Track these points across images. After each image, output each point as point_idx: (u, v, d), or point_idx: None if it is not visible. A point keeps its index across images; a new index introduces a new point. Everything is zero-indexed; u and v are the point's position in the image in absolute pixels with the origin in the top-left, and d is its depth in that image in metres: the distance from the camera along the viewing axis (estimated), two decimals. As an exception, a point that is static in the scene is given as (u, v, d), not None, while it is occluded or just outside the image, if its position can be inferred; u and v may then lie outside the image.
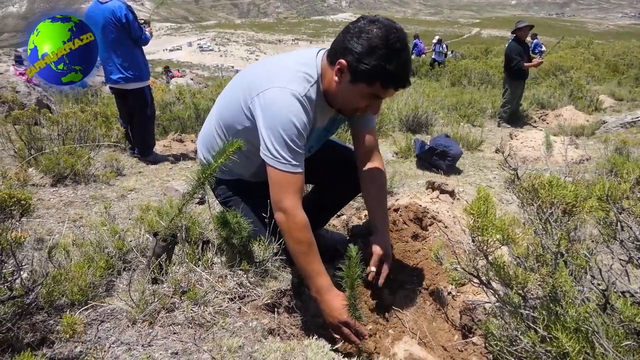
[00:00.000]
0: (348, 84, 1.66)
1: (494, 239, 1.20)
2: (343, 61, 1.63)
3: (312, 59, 1.76)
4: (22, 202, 1.43)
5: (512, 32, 8.01)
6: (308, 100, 1.68)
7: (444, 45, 17.67)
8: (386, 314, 2.11)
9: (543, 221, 1.22)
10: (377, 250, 1.91)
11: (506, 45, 8.35)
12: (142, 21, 4.77)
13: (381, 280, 1.91)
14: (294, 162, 1.65)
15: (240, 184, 2.07)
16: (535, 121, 8.48)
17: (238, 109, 1.81)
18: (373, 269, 1.89)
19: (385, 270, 1.91)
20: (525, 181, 1.27)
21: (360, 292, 2.17)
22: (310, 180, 2.31)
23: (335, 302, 1.63)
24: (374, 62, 1.57)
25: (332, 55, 1.69)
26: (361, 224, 2.52)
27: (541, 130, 6.53)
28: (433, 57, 17.10)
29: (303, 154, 1.70)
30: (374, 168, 2.05)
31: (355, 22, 1.66)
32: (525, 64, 7.75)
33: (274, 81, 1.68)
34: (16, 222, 1.44)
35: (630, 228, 1.25)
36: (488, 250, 1.22)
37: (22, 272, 1.48)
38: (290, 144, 1.63)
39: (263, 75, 1.76)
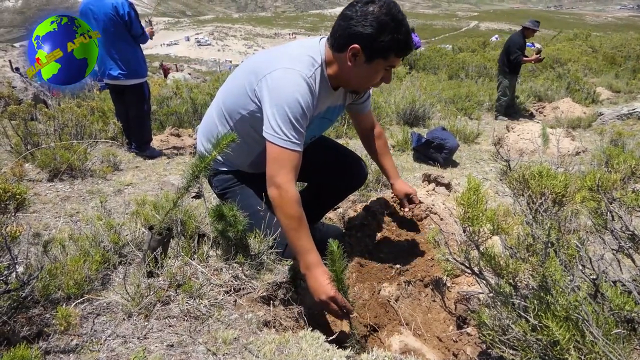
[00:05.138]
0: (364, 65, 1.75)
1: (485, 229, 1.21)
2: (356, 46, 1.70)
3: (315, 45, 1.83)
4: (17, 196, 1.43)
5: (523, 27, 7.93)
6: (313, 82, 1.74)
7: None
8: (382, 305, 2.12)
9: (533, 211, 1.23)
10: (400, 192, 2.26)
11: (509, 37, 8.32)
12: (147, 21, 4.75)
13: (417, 210, 2.36)
14: (295, 140, 1.69)
15: (239, 175, 2.09)
16: (532, 114, 8.48)
17: (243, 93, 1.85)
18: (407, 209, 2.28)
19: (415, 202, 2.28)
20: (516, 172, 1.28)
21: (360, 287, 2.19)
22: (307, 177, 2.35)
23: (324, 278, 1.66)
24: (388, 37, 1.67)
25: (338, 43, 1.74)
26: (357, 215, 2.52)
27: (538, 122, 6.55)
28: None
29: (304, 135, 1.73)
30: (376, 132, 2.33)
31: (352, 7, 1.71)
32: (524, 59, 7.75)
33: (281, 63, 1.74)
34: (12, 216, 1.44)
35: (621, 218, 1.26)
36: (479, 240, 1.23)
37: (17, 266, 1.49)
38: (294, 122, 1.67)
39: (268, 60, 1.81)
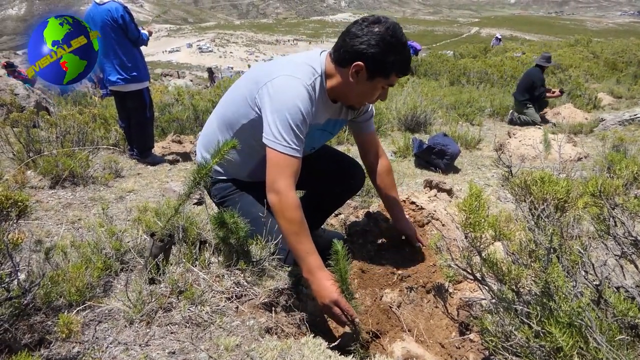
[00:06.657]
0: (365, 82, 1.80)
1: (487, 235, 1.21)
2: (360, 63, 1.74)
3: (316, 57, 1.87)
4: (19, 203, 1.44)
5: (537, 64, 8.01)
6: (312, 90, 1.78)
7: None
8: (384, 311, 2.11)
9: (535, 217, 1.23)
10: (408, 231, 2.25)
11: (528, 71, 8.28)
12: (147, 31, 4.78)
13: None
14: (295, 147, 1.70)
15: (237, 183, 2.09)
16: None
17: (243, 102, 1.87)
18: (419, 244, 2.26)
19: (421, 239, 2.28)
20: (518, 178, 1.28)
21: (362, 294, 2.18)
22: (306, 186, 2.35)
23: (327, 281, 1.66)
24: (391, 58, 1.74)
25: (343, 59, 1.78)
26: (359, 222, 2.52)
27: (539, 128, 6.54)
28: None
29: (304, 141, 1.75)
30: (385, 167, 2.27)
31: (359, 25, 1.76)
32: (548, 94, 7.84)
33: (282, 71, 1.78)
34: (13, 223, 1.45)
35: (624, 223, 1.26)
36: (481, 246, 1.23)
37: (19, 274, 1.49)
38: (295, 128, 1.69)
39: (269, 69, 1.84)
